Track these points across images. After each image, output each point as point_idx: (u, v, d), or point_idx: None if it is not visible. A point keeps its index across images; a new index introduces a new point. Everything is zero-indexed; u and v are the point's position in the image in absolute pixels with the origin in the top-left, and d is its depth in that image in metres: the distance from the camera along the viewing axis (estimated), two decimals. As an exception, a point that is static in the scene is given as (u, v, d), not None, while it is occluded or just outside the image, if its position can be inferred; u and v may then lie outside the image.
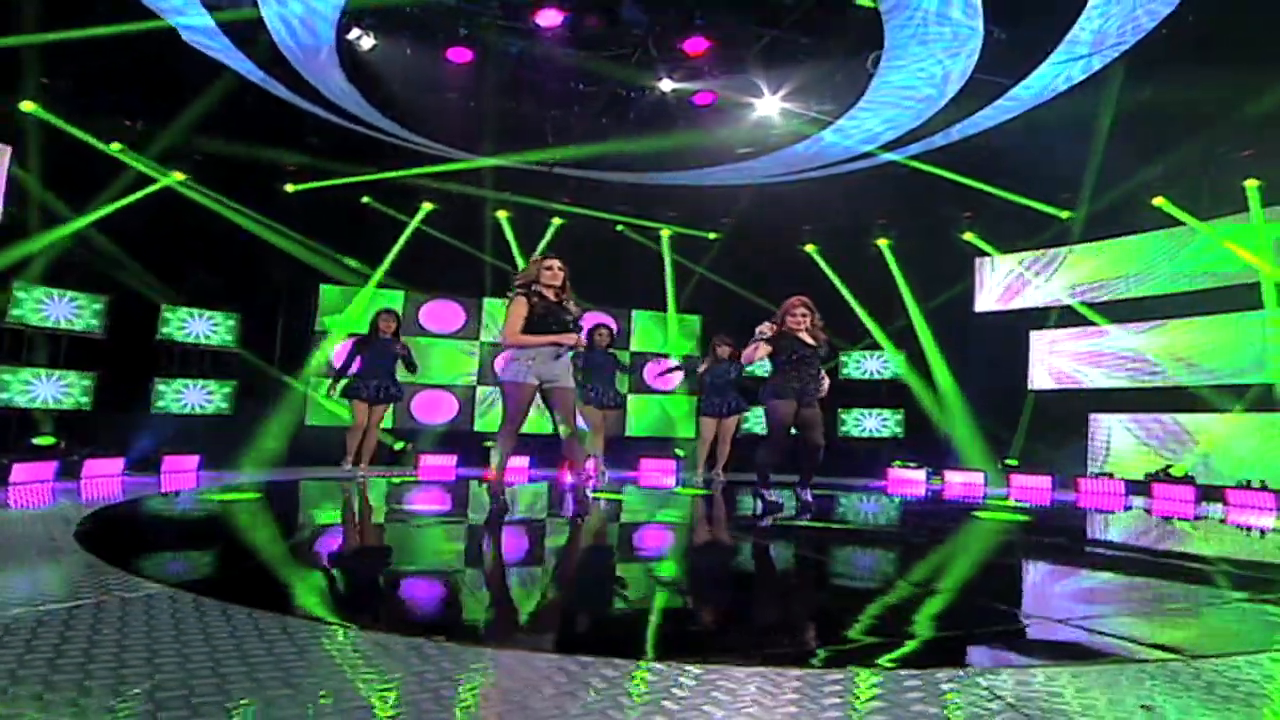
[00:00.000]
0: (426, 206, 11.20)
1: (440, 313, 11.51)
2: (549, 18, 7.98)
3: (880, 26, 7.79)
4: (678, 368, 10.21)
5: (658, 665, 2.08)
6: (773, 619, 3.04)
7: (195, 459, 7.99)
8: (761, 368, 6.89)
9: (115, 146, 8.97)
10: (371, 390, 7.75)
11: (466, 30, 8.38)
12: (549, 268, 5.22)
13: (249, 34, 7.69)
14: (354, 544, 4.59)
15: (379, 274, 10.98)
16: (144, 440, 8.40)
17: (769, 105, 9.67)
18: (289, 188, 10.41)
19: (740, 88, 9.41)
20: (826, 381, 6.36)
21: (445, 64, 8.69)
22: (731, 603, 3.34)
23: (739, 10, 8.23)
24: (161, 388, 9.36)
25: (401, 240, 11.14)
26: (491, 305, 11.69)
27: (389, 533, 5.08)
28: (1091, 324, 10.27)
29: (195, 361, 9.71)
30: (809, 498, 6.34)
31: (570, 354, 5.25)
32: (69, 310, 8.40)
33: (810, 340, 6.20)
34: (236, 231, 9.92)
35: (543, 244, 11.70)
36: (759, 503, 6.24)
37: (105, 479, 6.90)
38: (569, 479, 6.86)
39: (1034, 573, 4.19)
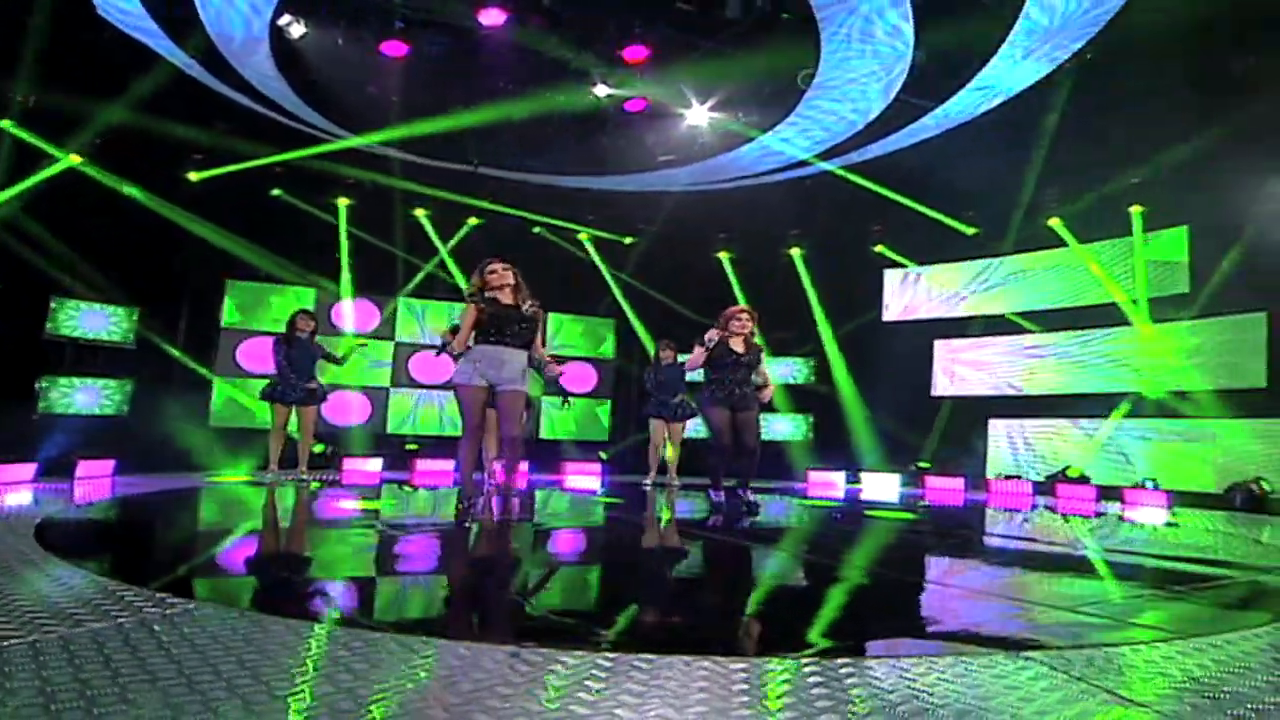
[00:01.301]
0: (344, 203, 10.80)
1: (353, 312, 11.12)
2: (492, 16, 7.88)
3: (817, 45, 8.08)
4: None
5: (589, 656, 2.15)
6: (693, 614, 3.16)
7: (110, 464, 7.42)
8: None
9: (5, 123, 8.25)
10: (299, 392, 7.42)
11: (403, 24, 8.19)
12: (493, 271, 5.14)
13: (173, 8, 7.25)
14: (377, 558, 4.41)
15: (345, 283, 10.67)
16: (50, 443, 7.75)
17: (698, 114, 9.87)
18: (192, 176, 9.82)
19: (672, 96, 9.57)
20: (769, 390, 6.56)
21: (377, 57, 8.43)
22: (654, 598, 3.47)
23: (679, 22, 8.36)
24: (48, 386, 8.67)
25: (345, 244, 10.77)
26: (406, 304, 11.41)
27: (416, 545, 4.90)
28: (991, 334, 10.97)
29: (88, 359, 9.04)
30: (750, 498, 6.52)
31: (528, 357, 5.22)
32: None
33: (739, 348, 6.39)
34: (138, 220, 9.27)
35: (452, 242, 11.54)
36: (709, 504, 6.39)
37: (15, 486, 6.29)
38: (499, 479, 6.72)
39: (933, 570, 4.45)
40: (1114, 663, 2.27)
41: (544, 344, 5.44)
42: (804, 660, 2.17)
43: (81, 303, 8.93)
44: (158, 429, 9.05)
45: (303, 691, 1.80)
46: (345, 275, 10.89)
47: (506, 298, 5.13)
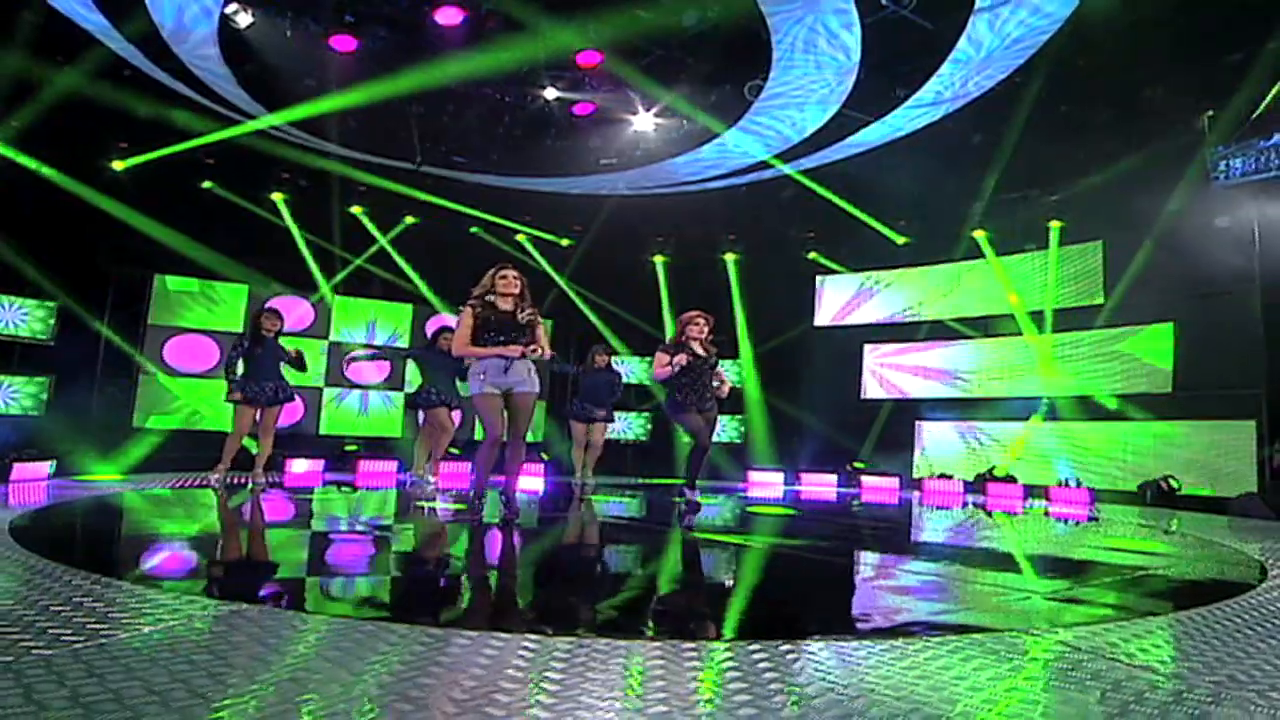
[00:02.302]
0: (278, 198, 10.51)
1: (286, 309, 10.79)
2: (449, 16, 7.84)
3: (768, 58, 8.32)
4: (372, 357, 9.92)
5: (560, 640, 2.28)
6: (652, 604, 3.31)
7: (46, 465, 7.03)
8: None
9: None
10: (268, 393, 7.04)
11: (353, 18, 8.06)
12: (504, 277, 5.21)
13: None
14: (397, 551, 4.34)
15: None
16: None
17: (644, 120, 10.02)
18: (117, 164, 9.40)
19: (620, 101, 9.69)
20: (727, 388, 6.73)
21: (325, 50, 8.27)
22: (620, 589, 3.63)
23: (633, 28, 8.47)
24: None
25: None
26: (343, 304, 11.18)
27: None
28: (920, 340, 11.47)
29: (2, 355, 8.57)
30: (694, 498, 6.65)
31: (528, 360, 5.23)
32: None
33: (701, 351, 6.55)
34: (58, 208, 8.82)
35: (386, 238, 11.39)
36: (682, 503, 6.55)
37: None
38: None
39: (874, 563, 4.73)
40: (1045, 646, 2.47)
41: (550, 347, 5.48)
42: (752, 645, 2.30)
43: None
44: (78, 429, 8.63)
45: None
46: (315, 271, 10.67)
47: (505, 304, 5.18)
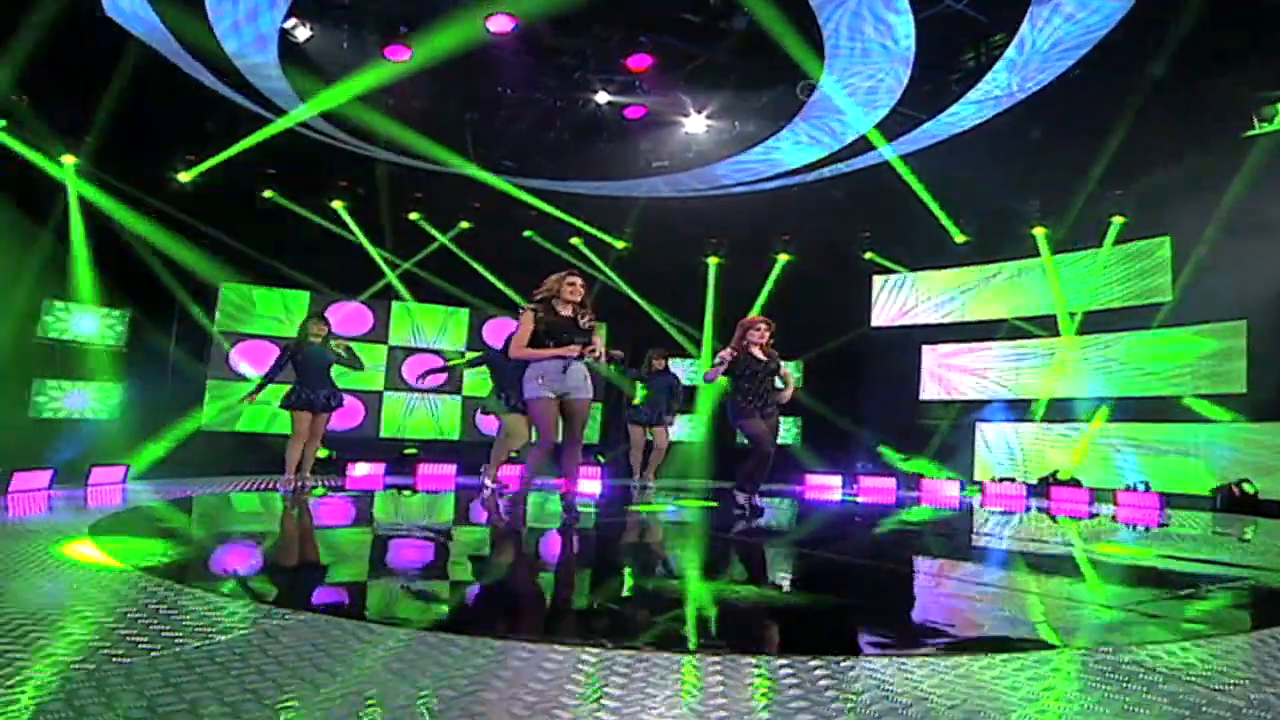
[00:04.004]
0: (338, 205, 10.73)
1: (348, 316, 11.07)
2: (500, 23, 7.92)
3: (821, 59, 8.23)
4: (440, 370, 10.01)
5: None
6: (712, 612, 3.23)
7: (121, 470, 7.30)
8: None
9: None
10: (321, 399, 7.19)
11: (407, 28, 8.18)
12: (571, 283, 5.28)
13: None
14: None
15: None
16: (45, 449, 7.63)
17: (695, 122, 10.00)
18: (182, 176, 9.68)
19: (671, 104, 9.69)
20: (789, 392, 6.69)
21: (381, 61, 8.41)
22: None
23: (682, 31, 8.47)
24: (39, 390, 8.53)
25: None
26: (400, 308, 11.37)
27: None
28: (980, 340, 11.23)
29: (80, 362, 8.89)
30: (759, 503, 6.63)
31: (586, 364, 5.28)
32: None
33: (762, 356, 6.51)
34: (132, 220, 9.13)
35: (446, 237, 11.52)
36: (746, 509, 6.51)
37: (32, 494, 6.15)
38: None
39: (935, 570, 4.60)
40: (1117, 664, 2.37)
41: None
42: (811, 660, 2.26)
43: (73, 305, 8.79)
44: (150, 433, 8.94)
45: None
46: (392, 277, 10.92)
47: (565, 310, 5.23)
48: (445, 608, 3.20)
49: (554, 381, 5.12)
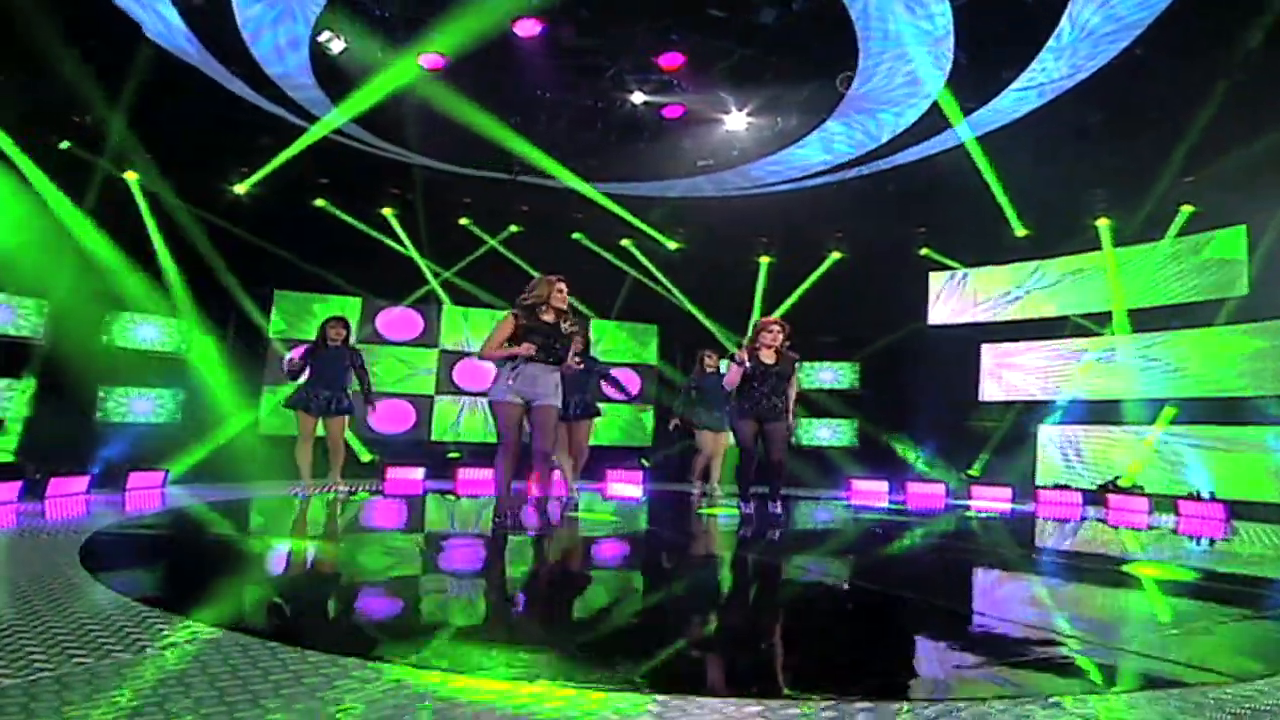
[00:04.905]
0: (388, 212, 10.97)
1: (398, 320, 11.30)
2: (527, 28, 7.94)
3: (855, 48, 7.98)
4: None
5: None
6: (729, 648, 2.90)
7: (161, 475, 7.61)
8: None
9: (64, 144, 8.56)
10: (321, 402, 7.02)
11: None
12: (560, 290, 5.28)
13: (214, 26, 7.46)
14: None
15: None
16: (105, 453, 8.02)
17: (736, 120, 9.83)
18: (239, 188, 10.04)
19: (709, 102, 9.55)
20: (793, 394, 6.46)
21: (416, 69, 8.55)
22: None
23: (713, 27, 8.33)
24: (105, 396, 8.97)
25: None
26: (451, 312, 11.54)
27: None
28: (1040, 338, 10.69)
29: (141, 368, 9.31)
30: (777, 511, 6.43)
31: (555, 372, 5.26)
32: (9, 315, 7.99)
33: (769, 360, 6.31)
34: (189, 231, 9.53)
35: (495, 240, 11.61)
36: (739, 516, 6.42)
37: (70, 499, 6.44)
38: (534, 491, 6.76)
39: (982, 594, 4.27)
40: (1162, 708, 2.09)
41: (580, 355, 5.55)
42: (858, 704, 2.00)
43: (137, 314, 9.21)
44: (206, 437, 9.29)
45: None
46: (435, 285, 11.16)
47: (549, 316, 5.22)
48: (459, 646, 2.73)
49: (523, 386, 5.09)
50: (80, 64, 7.74)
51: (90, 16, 7.39)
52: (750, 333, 6.52)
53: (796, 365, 6.49)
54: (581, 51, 8.50)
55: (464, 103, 9.09)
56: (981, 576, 4.65)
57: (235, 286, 10.10)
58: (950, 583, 4.35)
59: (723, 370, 9.14)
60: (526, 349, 5.03)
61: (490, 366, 5.62)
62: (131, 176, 9.16)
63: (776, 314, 10.38)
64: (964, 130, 9.11)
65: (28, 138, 8.12)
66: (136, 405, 9.23)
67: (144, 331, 9.28)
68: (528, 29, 7.97)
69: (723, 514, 6.98)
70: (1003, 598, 4.03)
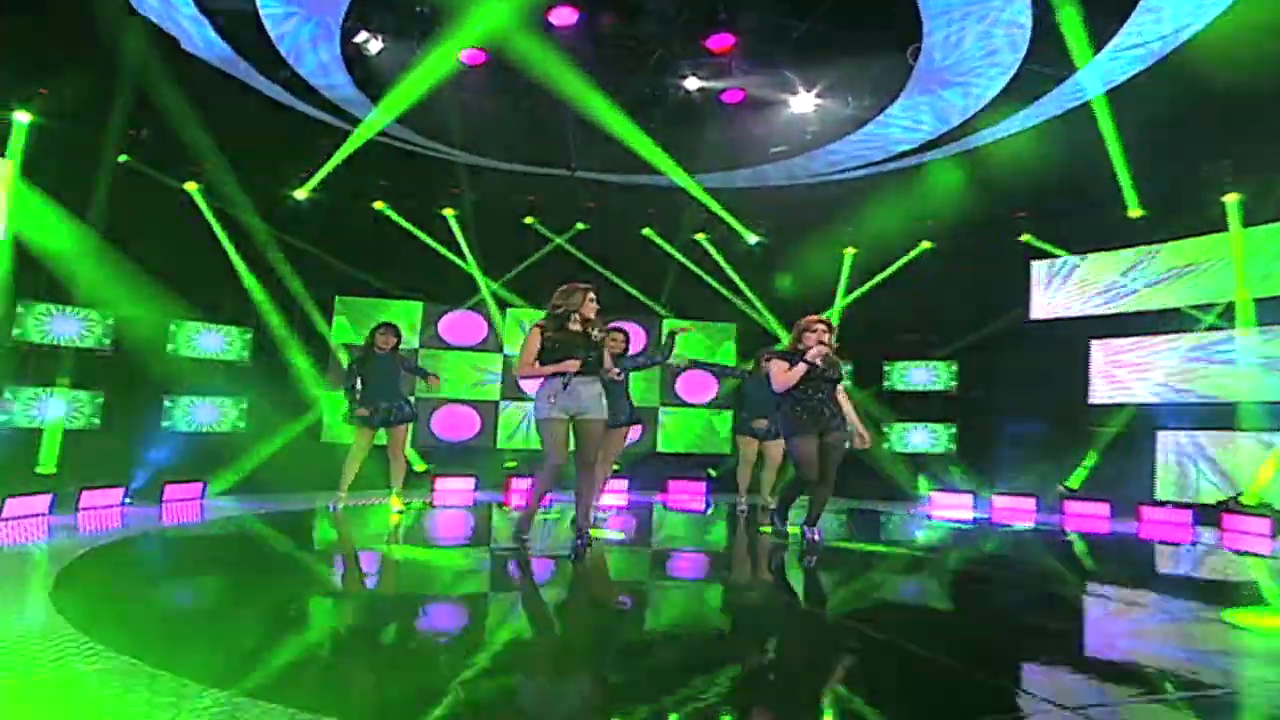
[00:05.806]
0: (449, 213, 10.77)
1: (461, 325, 11.10)
2: (563, 16, 7.50)
3: (918, 15, 7.16)
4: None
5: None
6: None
7: (199, 486, 7.61)
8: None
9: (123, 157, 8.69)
10: (381, 413, 6.83)
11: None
12: (591, 299, 5.05)
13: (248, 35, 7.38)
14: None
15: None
16: (150, 463, 8.13)
17: (803, 102, 9.11)
18: (299, 194, 10.03)
19: (772, 84, 8.87)
20: (847, 405, 5.73)
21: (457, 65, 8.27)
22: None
23: (764, 4, 7.67)
24: (170, 405, 9.10)
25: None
26: (515, 314, 11.26)
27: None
28: (1157, 333, 9.44)
29: (205, 377, 9.42)
30: (817, 537, 5.68)
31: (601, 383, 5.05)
32: (77, 327, 8.16)
33: (820, 363, 5.57)
34: (247, 241, 9.58)
35: (562, 239, 11.25)
36: (775, 535, 5.89)
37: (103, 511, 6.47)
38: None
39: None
40: None
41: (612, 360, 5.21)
42: None
43: (200, 324, 9.32)
44: (271, 446, 9.31)
45: None
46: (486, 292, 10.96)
47: (575, 325, 4.96)
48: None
49: (564, 401, 4.89)
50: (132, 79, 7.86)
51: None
52: (793, 333, 5.78)
53: (841, 369, 5.77)
54: (623, 37, 7.99)
55: (511, 96, 8.82)
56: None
57: (299, 291, 10.07)
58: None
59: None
60: (571, 364, 4.87)
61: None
62: (192, 187, 9.24)
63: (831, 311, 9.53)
64: (1091, 79, 7.93)
65: (92, 152, 8.29)
66: (201, 413, 9.33)
67: (207, 340, 9.37)
68: (563, 18, 7.53)
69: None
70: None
